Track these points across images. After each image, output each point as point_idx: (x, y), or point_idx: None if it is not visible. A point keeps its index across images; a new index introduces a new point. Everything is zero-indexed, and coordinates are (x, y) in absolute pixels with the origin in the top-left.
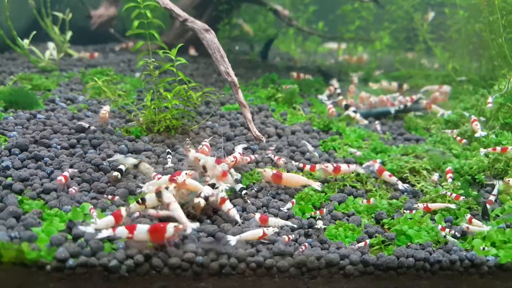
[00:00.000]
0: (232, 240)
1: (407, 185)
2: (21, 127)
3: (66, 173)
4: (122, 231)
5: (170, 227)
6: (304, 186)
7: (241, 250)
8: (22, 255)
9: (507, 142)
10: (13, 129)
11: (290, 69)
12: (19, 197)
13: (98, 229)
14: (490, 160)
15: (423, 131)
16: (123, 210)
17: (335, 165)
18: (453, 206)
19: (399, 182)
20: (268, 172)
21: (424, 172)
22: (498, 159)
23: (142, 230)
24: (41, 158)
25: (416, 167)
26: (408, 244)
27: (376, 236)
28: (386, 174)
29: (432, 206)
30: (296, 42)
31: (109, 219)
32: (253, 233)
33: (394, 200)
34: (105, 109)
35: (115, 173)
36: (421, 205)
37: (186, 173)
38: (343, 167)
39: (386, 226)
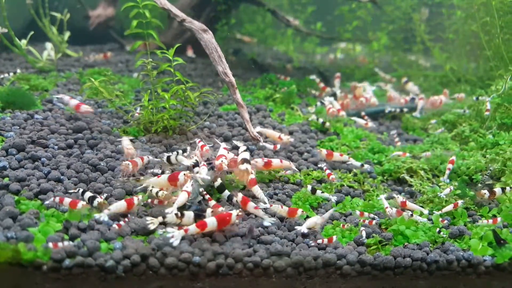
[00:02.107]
0: (303, 228)
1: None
2: (18, 127)
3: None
4: (194, 228)
5: (234, 215)
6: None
7: (238, 250)
8: (18, 255)
9: (504, 142)
10: (10, 129)
11: (287, 71)
12: (16, 198)
13: (110, 214)
14: (488, 160)
15: (421, 132)
16: (135, 199)
17: (265, 159)
18: (425, 211)
19: (351, 159)
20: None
21: (422, 172)
22: (495, 159)
23: (211, 222)
24: (38, 159)
25: (413, 167)
26: (405, 244)
27: (373, 236)
28: (336, 155)
29: (409, 204)
30: (294, 43)
31: (121, 203)
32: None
33: (391, 200)
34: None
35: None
36: (400, 198)
37: (184, 174)
38: (275, 161)
39: (383, 226)
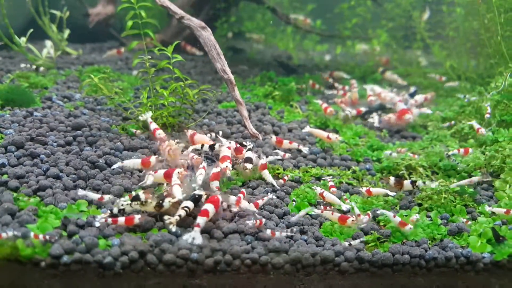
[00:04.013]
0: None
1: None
2: (17, 124)
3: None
4: (202, 220)
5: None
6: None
7: (236, 247)
8: (16, 252)
9: (504, 139)
10: (9, 126)
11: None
12: (15, 194)
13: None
14: (487, 157)
15: (420, 129)
16: (153, 158)
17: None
18: (392, 194)
19: (301, 146)
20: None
21: (421, 169)
22: (495, 156)
23: (211, 208)
24: (37, 156)
25: (412, 164)
26: (404, 241)
27: (371, 233)
28: (286, 142)
29: (373, 190)
30: (294, 41)
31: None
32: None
33: (390, 197)
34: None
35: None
36: (364, 188)
37: (178, 172)
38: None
39: (381, 223)
